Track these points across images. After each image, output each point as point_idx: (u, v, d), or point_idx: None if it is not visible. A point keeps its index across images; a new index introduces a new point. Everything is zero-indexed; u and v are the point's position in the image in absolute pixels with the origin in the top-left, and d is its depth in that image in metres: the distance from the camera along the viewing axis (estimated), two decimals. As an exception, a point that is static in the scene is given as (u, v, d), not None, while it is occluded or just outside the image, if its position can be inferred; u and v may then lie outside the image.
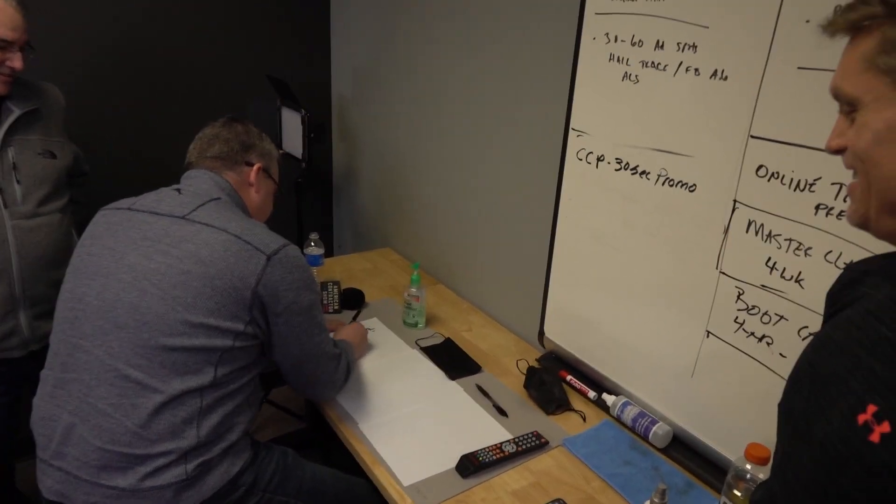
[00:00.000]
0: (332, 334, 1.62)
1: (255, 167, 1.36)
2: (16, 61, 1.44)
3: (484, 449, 1.32)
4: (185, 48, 2.28)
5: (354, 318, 1.82)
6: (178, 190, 1.28)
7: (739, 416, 1.24)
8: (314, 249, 2.00)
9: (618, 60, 1.34)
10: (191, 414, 1.12)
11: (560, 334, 1.65)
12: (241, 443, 1.21)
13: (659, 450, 1.38)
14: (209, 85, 2.36)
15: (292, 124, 2.27)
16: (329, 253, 2.88)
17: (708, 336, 1.27)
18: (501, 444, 1.34)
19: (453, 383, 1.58)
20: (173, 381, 1.11)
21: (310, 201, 2.71)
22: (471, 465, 1.28)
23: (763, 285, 1.16)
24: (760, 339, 1.18)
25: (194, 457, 1.12)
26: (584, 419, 1.48)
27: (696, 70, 1.20)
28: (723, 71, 1.16)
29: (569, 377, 1.59)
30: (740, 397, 1.23)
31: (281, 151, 2.37)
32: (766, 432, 1.18)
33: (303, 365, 1.28)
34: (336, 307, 1.90)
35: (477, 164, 1.93)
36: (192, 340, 1.11)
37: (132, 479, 1.09)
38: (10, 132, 1.50)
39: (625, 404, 1.45)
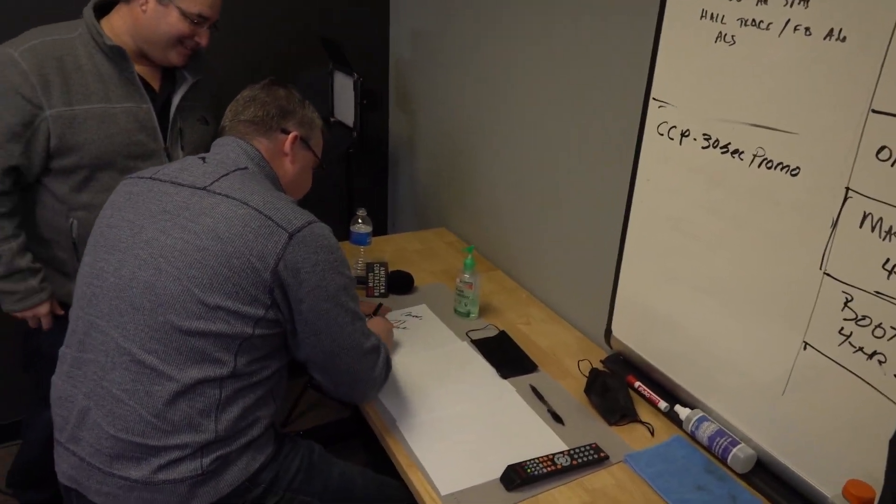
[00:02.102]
0: None
1: (291, 135, 1.32)
2: (203, 38, 1.59)
3: (534, 460, 1.27)
4: (232, 7, 2.26)
5: (375, 312, 1.75)
6: (203, 158, 1.26)
7: (839, 444, 1.14)
8: (361, 227, 1.97)
9: (710, 17, 1.24)
10: (208, 406, 1.10)
11: (630, 334, 1.58)
12: (263, 437, 1.19)
13: (739, 475, 1.30)
14: (259, 49, 2.35)
15: (344, 90, 2.24)
16: (383, 231, 2.89)
17: (805, 348, 1.17)
18: (554, 455, 1.29)
19: (505, 383, 1.54)
20: (190, 369, 1.09)
21: (362, 174, 2.69)
22: (517, 478, 1.23)
23: (878, 292, 1.05)
24: (871, 356, 1.07)
25: (211, 451, 1.10)
26: (652, 433, 1.41)
27: (807, 29, 1.08)
28: (840, 30, 1.04)
29: (637, 384, 1.53)
30: (841, 423, 1.13)
31: (333, 119, 2.36)
32: (871, 467, 1.08)
33: (335, 359, 1.22)
34: (382, 291, 1.88)
35: (544, 139, 1.87)
36: (208, 325, 1.09)
37: (145, 470, 1.08)
38: (180, 99, 1.65)
39: (701, 419, 1.37)
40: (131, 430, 1.08)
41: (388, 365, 1.35)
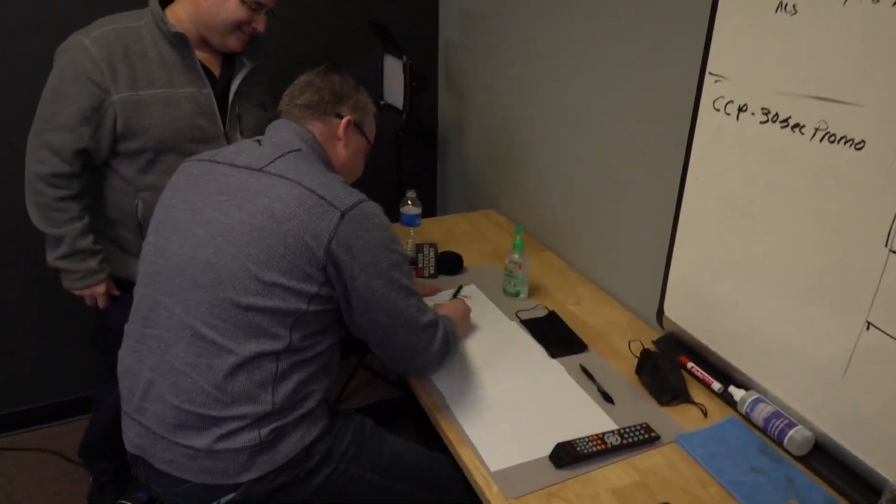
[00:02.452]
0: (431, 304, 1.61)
1: (344, 119, 1.34)
2: (260, 24, 1.63)
3: (583, 438, 1.27)
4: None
5: (455, 295, 1.78)
6: (259, 141, 1.30)
7: None
8: (411, 208, 1.99)
9: (771, -13, 1.19)
10: (266, 378, 1.14)
11: (682, 315, 1.56)
12: (317, 411, 1.22)
13: (795, 458, 1.28)
14: (308, 36, 2.38)
15: (394, 73, 2.25)
16: (432, 212, 2.90)
17: (868, 328, 1.14)
18: (604, 434, 1.29)
19: (555, 362, 1.54)
20: (248, 343, 1.13)
21: (412, 156, 2.71)
22: (567, 456, 1.23)
23: (947, 269, 1.00)
24: (938, 336, 1.02)
25: (268, 422, 1.14)
26: (706, 414, 1.39)
27: (874, -4, 1.03)
28: None
29: (690, 364, 1.51)
30: None
31: (382, 102, 2.38)
32: (938, 450, 1.03)
33: (392, 333, 1.25)
34: (432, 271, 1.90)
35: (595, 119, 1.85)
36: (265, 301, 1.13)
37: (207, 439, 1.13)
38: (239, 84, 1.70)
39: (756, 401, 1.35)
40: (193, 401, 1.13)
41: (448, 342, 1.35)
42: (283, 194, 1.15)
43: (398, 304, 1.22)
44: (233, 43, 1.63)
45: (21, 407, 2.37)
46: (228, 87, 1.69)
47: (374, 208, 1.19)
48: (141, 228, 1.65)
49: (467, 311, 1.62)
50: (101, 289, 1.68)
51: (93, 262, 1.64)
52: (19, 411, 2.37)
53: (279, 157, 1.23)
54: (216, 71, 1.68)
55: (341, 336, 1.28)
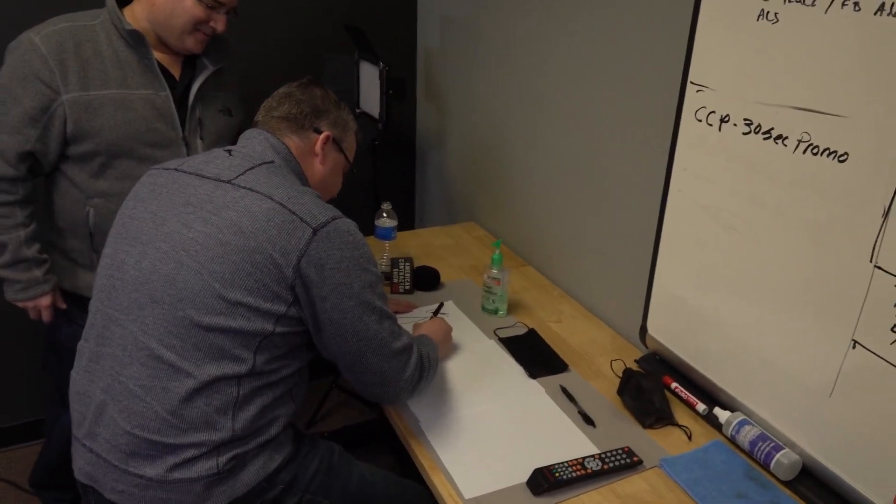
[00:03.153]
0: (411, 327, 1.60)
1: (322, 135, 1.33)
2: (219, 23, 1.61)
3: (563, 463, 1.26)
4: (257, -5, 2.29)
5: (436, 313, 1.77)
6: (230, 151, 1.28)
7: (891, 450, 1.10)
8: (386, 221, 1.98)
9: (752, -5, 1.20)
10: (225, 403, 1.12)
11: (666, 332, 1.56)
12: (281, 437, 1.20)
13: (783, 482, 1.27)
14: (282, 37, 2.37)
15: (370, 80, 2.25)
16: (408, 226, 2.89)
17: (854, 346, 1.14)
18: (584, 459, 1.28)
19: (534, 382, 1.53)
20: (207, 365, 1.11)
21: (388, 167, 2.70)
22: (545, 482, 1.22)
23: (934, 286, 1.00)
24: (926, 355, 1.02)
25: (227, 450, 1.12)
26: (690, 437, 1.39)
27: (856, 4, 1.05)
28: (893, 5, 1.00)
29: (674, 385, 1.51)
30: (894, 427, 1.09)
31: (358, 111, 2.37)
32: (927, 475, 1.03)
33: (362, 358, 1.22)
34: (407, 287, 1.89)
35: (577, 130, 1.86)
36: (229, 321, 1.10)
37: (160, 468, 1.10)
38: (200, 87, 1.67)
39: (742, 423, 1.35)
40: (147, 427, 1.11)
41: (422, 368, 1.32)
42: (251, 208, 1.13)
43: (370, 328, 1.20)
44: (191, 43, 1.61)
45: (-31, 432, 2.32)
46: (189, 90, 1.67)
47: (348, 225, 1.17)
48: (92, 238, 1.63)
49: (448, 330, 1.60)
50: (45, 301, 1.64)
51: (37, 272, 1.60)
52: (-33, 436, 2.32)
53: (250, 170, 1.21)
54: (176, 73, 1.66)
55: (310, 359, 1.26)
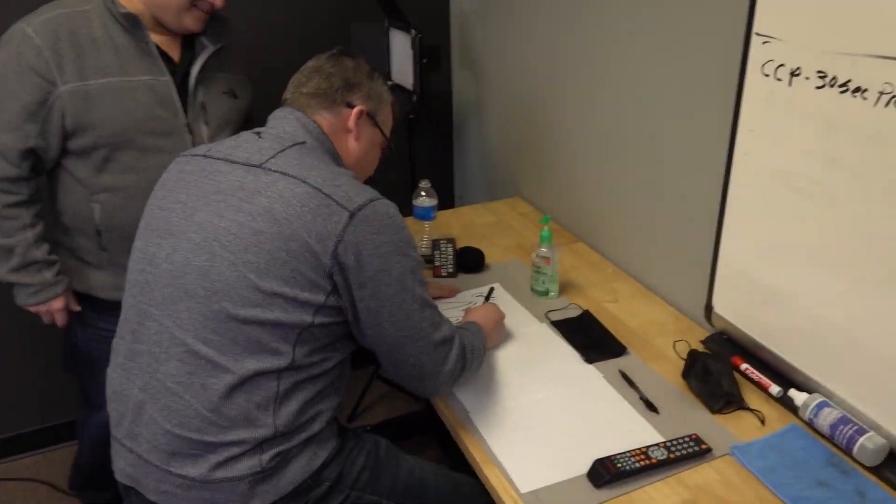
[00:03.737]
0: (459, 313, 1.61)
1: (356, 109, 1.33)
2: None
3: (625, 453, 1.26)
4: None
5: (487, 298, 1.77)
6: (259, 133, 1.29)
7: None
8: (425, 200, 1.99)
9: (823, -68, 1.17)
10: (266, 399, 1.14)
11: (734, 310, 1.56)
12: (326, 432, 1.22)
13: (868, 468, 1.26)
14: (305, 7, 2.37)
15: (401, 49, 2.25)
16: (448, 204, 2.90)
17: (948, 319, 1.10)
18: (648, 448, 1.28)
19: (590, 368, 1.54)
20: (246, 360, 1.12)
21: (425, 142, 2.70)
22: (606, 473, 1.22)
23: None
24: None
25: (270, 447, 1.14)
26: (763, 422, 1.38)
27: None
28: None
29: (744, 366, 1.50)
30: None
31: (390, 83, 2.37)
32: None
33: (400, 349, 1.23)
34: (450, 270, 1.90)
35: (629, 92, 1.84)
36: (266, 313, 1.12)
37: (203, 468, 1.13)
38: (201, 69, 1.67)
39: (821, 405, 1.34)
40: (187, 426, 1.13)
41: (464, 359, 1.32)
42: (284, 193, 1.14)
43: (410, 317, 1.20)
44: (189, 22, 1.60)
45: (6, 434, 2.41)
46: (189, 74, 1.66)
47: (387, 207, 1.17)
48: (99, 235, 1.64)
49: (500, 317, 1.60)
50: (58, 304, 1.66)
51: (48, 274, 1.63)
52: (4, 439, 2.41)
53: (281, 152, 1.21)
54: (175, 56, 1.66)
55: (352, 350, 1.27)
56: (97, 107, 1.54)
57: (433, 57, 2.19)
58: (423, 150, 2.64)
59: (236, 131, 1.65)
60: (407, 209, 2.04)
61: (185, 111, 1.65)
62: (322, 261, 1.12)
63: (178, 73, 1.65)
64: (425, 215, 2.00)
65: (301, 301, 1.13)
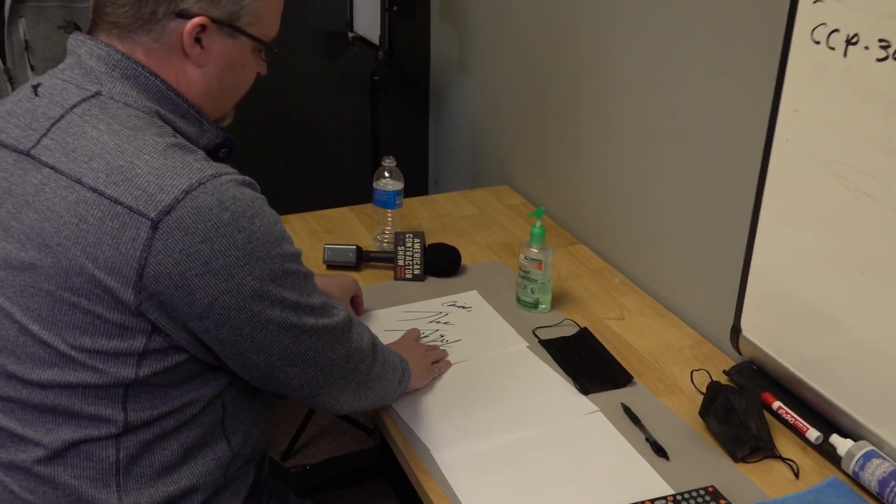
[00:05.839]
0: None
1: (191, 23, 1.10)
2: None
3: None
4: None
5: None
6: (36, 89, 1.13)
7: None
8: (388, 183, 1.99)
9: None
10: (101, 472, 1.08)
11: (767, 334, 1.57)
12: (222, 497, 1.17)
13: None
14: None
15: (367, -7, 2.25)
16: (420, 190, 2.91)
17: None
18: (654, 502, 1.29)
19: (586, 400, 1.54)
20: (59, 429, 1.07)
21: (394, 110, 2.70)
22: (601, 533, 1.22)
23: None
24: None
25: None
26: (797, 474, 1.39)
27: None
28: None
29: (776, 404, 1.51)
30: None
31: (351, 35, 2.36)
32: None
33: (279, 374, 1.16)
34: (416, 272, 1.90)
35: (644, 58, 1.85)
36: (66, 375, 1.05)
37: None
38: None
39: (869, 455, 1.34)
40: None
41: (377, 361, 1.29)
42: (54, 203, 1.02)
43: (282, 337, 1.12)
44: None
45: None
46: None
47: (219, 192, 1.02)
48: None
49: (426, 359, 1.55)
50: None
51: None
52: None
53: (59, 121, 1.07)
54: None
55: (228, 379, 1.18)
56: None
57: (407, 4, 2.20)
58: (391, 121, 2.64)
59: None
60: (365, 194, 2.03)
61: (2, 53, 1.57)
62: (121, 297, 1.01)
63: None
64: (388, 202, 1.99)
65: (112, 353, 1.04)
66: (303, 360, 1.16)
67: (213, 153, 1.20)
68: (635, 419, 1.48)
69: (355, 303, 1.71)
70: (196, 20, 1.10)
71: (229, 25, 1.14)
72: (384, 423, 1.47)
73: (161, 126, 1.10)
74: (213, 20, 1.12)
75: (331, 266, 1.90)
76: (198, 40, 1.12)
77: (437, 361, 1.57)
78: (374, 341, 1.31)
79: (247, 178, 1.09)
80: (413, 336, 1.63)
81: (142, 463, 1.10)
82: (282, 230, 1.10)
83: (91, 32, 1.14)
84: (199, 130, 1.17)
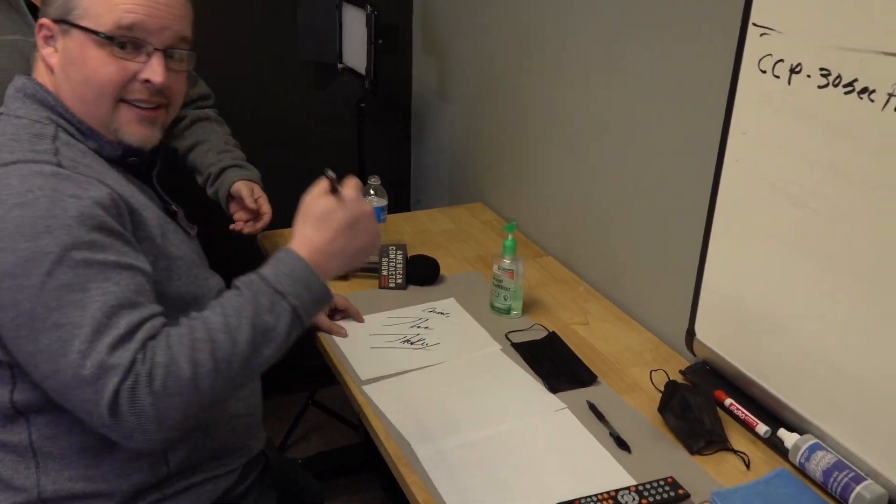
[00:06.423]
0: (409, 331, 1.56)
1: (40, 35, 1.15)
2: None
3: (591, 497, 1.26)
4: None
5: (334, 191, 1.18)
6: None
7: None
8: (373, 200, 1.99)
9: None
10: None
11: (719, 337, 1.57)
12: None
13: None
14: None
15: (355, 27, 2.25)
16: (404, 206, 2.93)
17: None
18: (618, 492, 1.28)
19: (554, 398, 1.54)
20: None
21: (378, 133, 2.70)
22: (569, 521, 1.21)
23: None
24: None
25: None
26: (748, 465, 1.39)
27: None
28: None
29: (728, 401, 1.52)
30: None
31: (341, 66, 2.36)
32: None
33: (45, 372, 1.03)
34: (399, 281, 1.89)
35: (608, 86, 1.86)
36: None
37: None
38: None
39: (814, 448, 1.35)
40: None
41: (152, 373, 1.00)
42: None
43: (35, 320, 0.99)
44: None
45: None
46: None
47: (2, 178, 1.01)
48: None
49: (348, 216, 1.14)
50: None
51: None
52: None
53: None
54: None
55: (37, 397, 1.08)
56: None
57: (391, 38, 2.21)
58: (376, 144, 2.63)
59: None
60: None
61: None
62: None
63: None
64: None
65: None
66: (58, 359, 1.00)
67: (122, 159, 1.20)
68: (600, 416, 1.48)
69: (350, 313, 1.72)
70: (39, 22, 1.15)
71: (63, 21, 1.13)
72: (368, 419, 1.46)
73: (45, 125, 1.12)
74: (53, 20, 1.14)
75: (320, 275, 1.89)
76: (52, 44, 1.15)
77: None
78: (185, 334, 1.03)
79: (63, 171, 1.04)
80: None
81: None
82: (60, 229, 0.98)
83: None
84: (79, 130, 1.16)
